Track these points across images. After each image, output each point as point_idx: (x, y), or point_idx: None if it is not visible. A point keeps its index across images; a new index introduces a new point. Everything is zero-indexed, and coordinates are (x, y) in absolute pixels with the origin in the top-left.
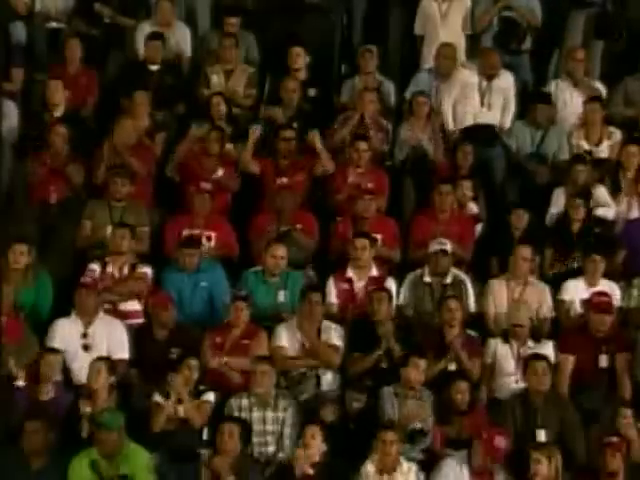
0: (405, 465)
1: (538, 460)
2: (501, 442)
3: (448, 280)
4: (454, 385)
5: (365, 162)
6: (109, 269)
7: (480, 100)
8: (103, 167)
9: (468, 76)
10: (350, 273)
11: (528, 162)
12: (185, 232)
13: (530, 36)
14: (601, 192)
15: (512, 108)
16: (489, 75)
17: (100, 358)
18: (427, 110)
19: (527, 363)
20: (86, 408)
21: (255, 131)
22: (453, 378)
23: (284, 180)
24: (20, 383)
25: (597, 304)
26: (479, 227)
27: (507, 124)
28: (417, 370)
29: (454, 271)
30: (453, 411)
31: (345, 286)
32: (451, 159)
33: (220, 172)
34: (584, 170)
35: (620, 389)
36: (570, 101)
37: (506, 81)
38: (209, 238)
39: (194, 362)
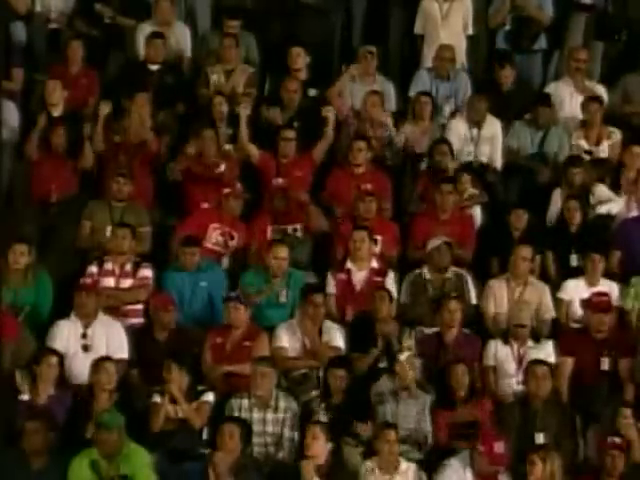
0: (404, 465)
1: (532, 461)
2: (500, 448)
3: (448, 275)
4: (451, 369)
5: (365, 162)
6: (109, 266)
7: (473, 151)
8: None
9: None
10: (349, 265)
11: (530, 162)
12: (214, 225)
13: (544, 35)
14: (601, 190)
15: (499, 154)
16: (477, 122)
17: (106, 358)
18: (430, 110)
19: (528, 368)
20: (95, 408)
21: (245, 109)
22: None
23: (283, 180)
24: (25, 397)
25: (596, 304)
26: (478, 210)
27: (497, 164)
28: (411, 369)
29: (454, 268)
30: (455, 398)
31: (343, 277)
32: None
33: (222, 167)
34: (580, 172)
35: (624, 393)
36: (570, 101)
37: (492, 128)
38: (232, 237)
39: (178, 365)
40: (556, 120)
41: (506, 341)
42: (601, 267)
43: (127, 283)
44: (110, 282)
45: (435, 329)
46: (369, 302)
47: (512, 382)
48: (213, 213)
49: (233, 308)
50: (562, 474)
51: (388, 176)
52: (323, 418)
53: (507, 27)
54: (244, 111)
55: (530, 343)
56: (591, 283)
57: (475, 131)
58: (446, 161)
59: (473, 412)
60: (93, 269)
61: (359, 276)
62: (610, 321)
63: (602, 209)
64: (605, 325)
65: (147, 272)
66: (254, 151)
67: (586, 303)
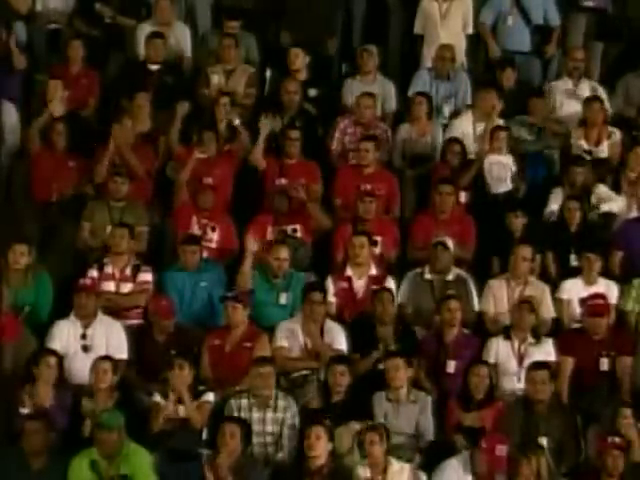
0: (396, 465)
1: (518, 460)
2: (502, 451)
3: (450, 277)
4: (473, 369)
5: (373, 163)
6: (109, 270)
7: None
8: (104, 165)
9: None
10: (349, 272)
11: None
12: (192, 219)
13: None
14: (602, 190)
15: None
16: (484, 117)
17: (105, 358)
18: (426, 110)
19: (527, 373)
20: (89, 406)
21: (266, 125)
22: (473, 363)
23: (283, 181)
24: (26, 410)
25: (592, 307)
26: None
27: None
28: (396, 372)
29: (456, 270)
30: (472, 399)
31: (344, 285)
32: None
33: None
34: (582, 172)
35: (621, 392)
36: (569, 101)
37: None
38: (213, 229)
39: (185, 362)
40: (554, 120)
41: (507, 336)
42: (597, 266)
43: (127, 287)
44: (110, 286)
45: (435, 329)
46: (370, 308)
47: (513, 380)
48: (190, 207)
49: (231, 307)
50: (562, 475)
51: (396, 178)
52: (323, 418)
53: (509, 24)
54: (265, 128)
55: (530, 339)
56: (588, 282)
57: (480, 128)
58: (457, 160)
59: (484, 417)
60: (93, 273)
61: (359, 284)
62: (608, 322)
63: (604, 207)
64: (602, 328)
65: (147, 276)
66: (262, 164)
67: (583, 305)
